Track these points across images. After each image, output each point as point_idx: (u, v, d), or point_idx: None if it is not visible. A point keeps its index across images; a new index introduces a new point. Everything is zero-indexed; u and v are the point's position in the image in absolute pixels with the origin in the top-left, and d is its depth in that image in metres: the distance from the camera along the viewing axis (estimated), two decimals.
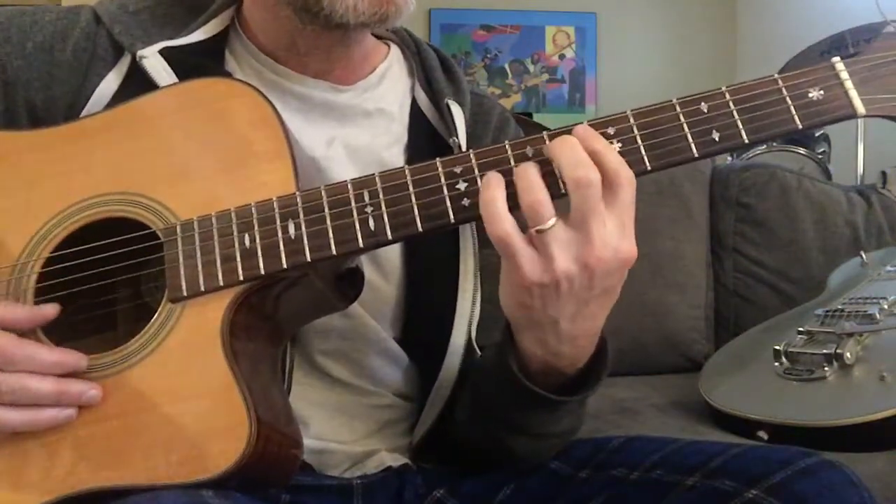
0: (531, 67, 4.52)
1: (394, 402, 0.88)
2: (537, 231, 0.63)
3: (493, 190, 0.64)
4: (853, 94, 0.66)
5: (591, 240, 0.63)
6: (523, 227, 0.65)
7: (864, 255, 1.61)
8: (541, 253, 0.64)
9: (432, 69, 0.91)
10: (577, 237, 0.64)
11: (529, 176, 0.64)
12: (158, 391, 0.66)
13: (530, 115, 3.98)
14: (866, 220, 1.81)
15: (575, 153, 0.64)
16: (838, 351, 1.26)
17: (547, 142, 0.66)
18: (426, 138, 0.88)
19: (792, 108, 0.66)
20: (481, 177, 0.66)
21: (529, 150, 0.66)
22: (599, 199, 0.63)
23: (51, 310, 0.69)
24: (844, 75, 0.66)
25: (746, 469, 0.71)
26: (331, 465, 0.84)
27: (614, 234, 0.64)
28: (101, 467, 0.65)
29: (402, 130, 0.89)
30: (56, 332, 0.70)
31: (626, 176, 0.64)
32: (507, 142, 0.67)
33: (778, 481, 0.69)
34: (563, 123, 0.68)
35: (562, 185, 0.65)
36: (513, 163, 0.66)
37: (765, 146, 2.81)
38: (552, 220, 0.63)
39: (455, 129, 0.86)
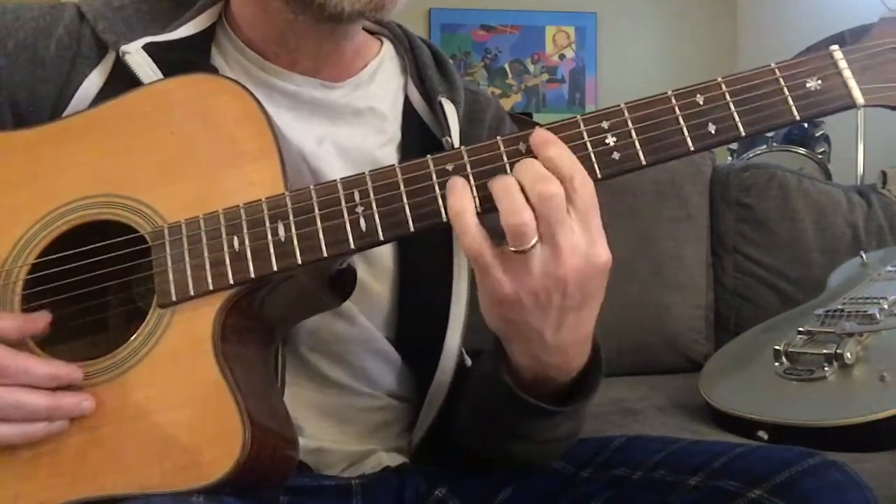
0: (531, 67, 4.52)
1: (388, 404, 0.87)
2: (516, 252, 0.62)
3: (461, 201, 0.63)
4: (852, 83, 0.65)
5: (561, 251, 0.62)
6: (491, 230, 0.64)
7: (864, 255, 1.61)
8: (514, 268, 0.63)
9: (425, 66, 0.90)
10: (549, 250, 0.62)
11: (514, 197, 0.62)
12: (150, 398, 0.65)
13: (530, 115, 3.98)
14: (866, 220, 1.81)
15: (533, 168, 0.63)
16: (838, 351, 1.26)
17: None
18: (419, 137, 0.87)
19: (789, 98, 0.65)
20: (473, 174, 0.65)
21: (522, 147, 0.65)
22: (564, 209, 0.62)
23: (42, 319, 0.67)
24: (843, 64, 0.65)
25: (750, 469, 0.71)
26: (328, 465, 0.83)
27: (583, 241, 0.63)
28: (95, 476, 0.64)
29: (395, 129, 0.87)
30: (45, 338, 0.68)
31: (580, 179, 0.63)
32: (499, 138, 0.66)
33: (781, 481, 0.68)
34: None
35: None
36: (506, 160, 0.65)
37: (765, 146, 2.81)
38: (534, 240, 0.62)
39: (448, 128, 0.85)
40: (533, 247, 0.62)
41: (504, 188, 0.63)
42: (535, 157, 0.64)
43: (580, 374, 0.73)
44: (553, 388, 0.72)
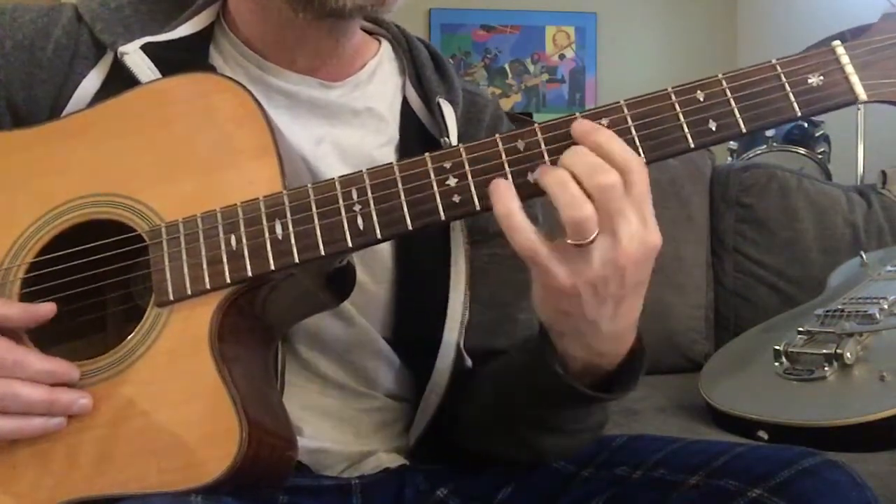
0: (531, 67, 4.52)
1: (387, 404, 0.87)
2: (577, 245, 0.61)
3: (507, 202, 0.62)
4: (854, 79, 0.64)
5: (620, 240, 0.61)
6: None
7: (864, 256, 1.61)
8: (574, 261, 0.62)
9: (423, 67, 0.89)
10: (609, 240, 0.62)
11: (572, 191, 0.61)
12: (148, 397, 0.65)
13: (530, 115, 3.98)
14: (866, 220, 1.81)
15: (587, 159, 0.62)
16: (838, 351, 1.26)
17: (539, 134, 0.65)
18: (417, 138, 0.86)
19: (791, 95, 0.64)
20: (471, 172, 0.65)
21: (521, 144, 0.65)
22: (623, 198, 0.61)
23: (46, 309, 0.67)
24: (845, 59, 0.64)
25: (750, 468, 0.71)
26: (327, 466, 0.83)
27: (639, 228, 0.62)
28: (92, 476, 0.64)
29: (394, 130, 0.87)
30: (43, 337, 0.68)
31: (636, 164, 0.62)
32: (497, 136, 0.65)
33: (781, 481, 0.68)
34: None
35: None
36: (504, 157, 0.65)
37: (765, 146, 2.81)
38: (595, 233, 0.61)
39: (446, 129, 0.85)
40: (594, 240, 0.61)
41: (560, 182, 0.62)
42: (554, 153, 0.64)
43: (622, 361, 0.72)
44: (597, 378, 0.72)
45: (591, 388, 0.71)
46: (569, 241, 0.61)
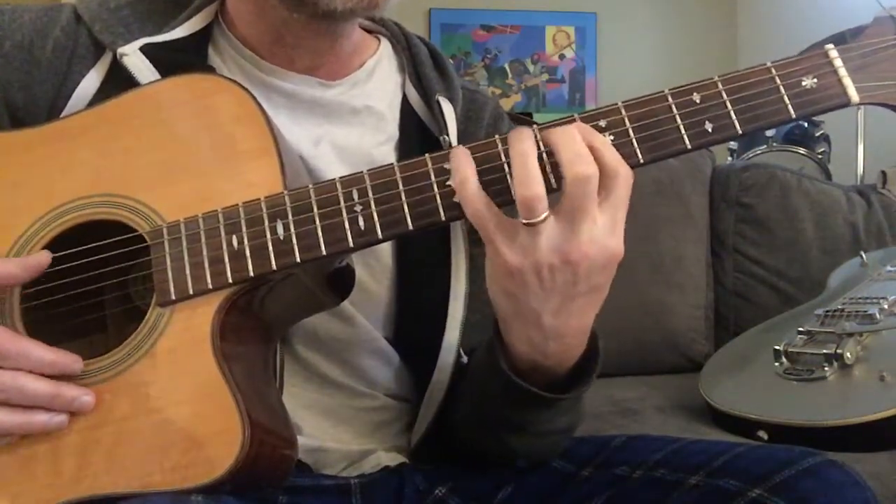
0: (531, 67, 4.52)
1: (386, 404, 0.87)
2: (526, 223, 0.62)
3: (464, 170, 0.63)
4: (847, 81, 0.65)
5: (578, 235, 0.62)
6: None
7: (864, 256, 1.61)
8: (523, 239, 0.63)
9: (423, 64, 0.90)
10: (565, 230, 0.62)
11: (528, 165, 0.62)
12: (150, 397, 0.65)
13: (530, 114, 3.98)
14: (866, 220, 1.81)
15: (577, 146, 0.62)
16: (838, 351, 1.26)
17: (537, 135, 0.65)
18: (417, 136, 0.87)
19: (785, 97, 0.65)
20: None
21: None
22: (594, 195, 0.62)
23: (44, 257, 0.67)
24: (838, 62, 0.65)
25: (750, 468, 0.71)
26: (327, 465, 0.83)
27: (603, 231, 0.62)
28: (94, 475, 0.64)
29: (393, 128, 0.87)
30: (45, 337, 0.68)
31: (624, 174, 0.63)
32: (497, 136, 0.66)
33: (781, 480, 0.68)
34: None
35: (552, 180, 0.64)
36: (503, 158, 0.65)
37: (765, 146, 2.81)
38: (545, 215, 0.62)
39: (445, 127, 0.85)
40: (543, 220, 0.62)
41: (521, 154, 0.62)
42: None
43: (576, 367, 0.73)
44: (549, 379, 0.72)
45: (545, 389, 0.72)
46: (521, 220, 0.62)
